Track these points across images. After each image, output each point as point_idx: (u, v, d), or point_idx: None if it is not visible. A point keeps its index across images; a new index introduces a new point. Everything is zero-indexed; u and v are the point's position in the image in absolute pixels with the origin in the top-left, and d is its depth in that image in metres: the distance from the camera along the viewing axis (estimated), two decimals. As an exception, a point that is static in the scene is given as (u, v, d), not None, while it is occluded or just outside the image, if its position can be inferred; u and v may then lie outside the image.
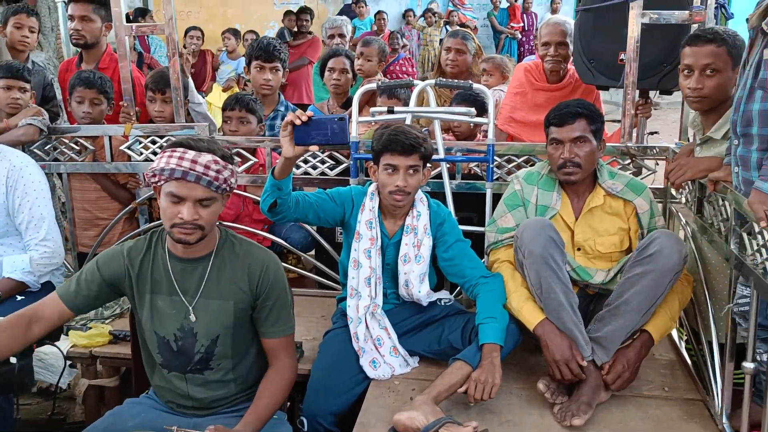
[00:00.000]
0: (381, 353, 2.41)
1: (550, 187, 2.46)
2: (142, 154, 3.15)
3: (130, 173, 3.20)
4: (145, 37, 6.46)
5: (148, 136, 3.14)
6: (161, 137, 3.12)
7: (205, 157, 1.81)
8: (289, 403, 2.38)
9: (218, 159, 1.83)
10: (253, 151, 3.21)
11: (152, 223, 3.18)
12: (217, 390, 1.96)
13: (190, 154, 1.81)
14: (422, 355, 2.50)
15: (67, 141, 3.18)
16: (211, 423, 1.80)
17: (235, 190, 3.03)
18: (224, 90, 6.84)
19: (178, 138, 1.89)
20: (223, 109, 3.27)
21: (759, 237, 1.86)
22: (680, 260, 2.18)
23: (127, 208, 3.19)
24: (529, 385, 2.32)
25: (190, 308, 1.91)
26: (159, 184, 1.83)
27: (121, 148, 3.14)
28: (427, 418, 2.02)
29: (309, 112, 2.08)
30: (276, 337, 1.98)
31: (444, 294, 2.53)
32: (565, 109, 2.37)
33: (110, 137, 3.13)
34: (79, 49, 3.64)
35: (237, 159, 3.07)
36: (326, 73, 3.85)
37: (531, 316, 2.26)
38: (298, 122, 2.06)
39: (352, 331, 2.41)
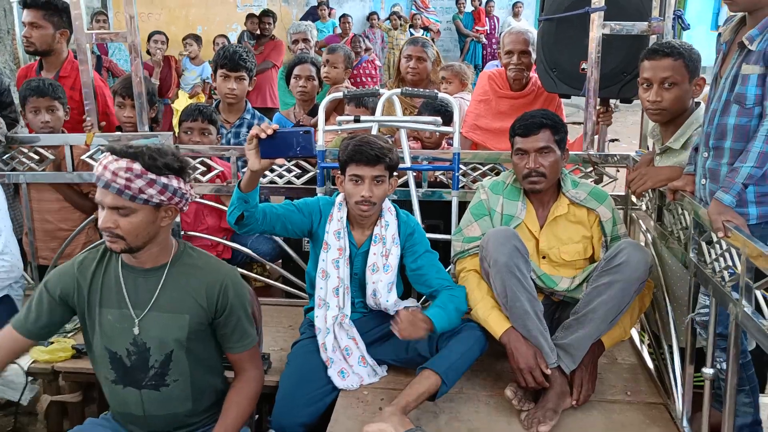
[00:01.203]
0: (349, 363, 2.41)
1: (515, 196, 2.50)
2: (104, 163, 3.08)
3: (92, 183, 3.13)
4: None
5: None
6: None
7: (117, 164, 1.71)
8: (257, 416, 2.37)
9: (133, 167, 1.71)
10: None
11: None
12: (174, 408, 1.90)
13: (107, 159, 1.74)
14: (390, 364, 2.51)
15: (26, 151, 3.10)
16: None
17: (198, 200, 3.06)
18: (191, 96, 6.75)
19: (109, 145, 1.84)
20: (182, 120, 3.23)
21: (717, 246, 1.92)
22: (646, 270, 2.23)
23: (89, 219, 3.13)
24: (496, 392, 2.35)
25: (137, 321, 1.85)
26: None
27: (83, 157, 3.08)
28: (397, 429, 2.03)
29: (274, 125, 2.07)
30: (241, 351, 1.96)
31: (411, 302, 2.54)
32: (530, 119, 2.41)
33: (71, 146, 3.07)
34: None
35: (202, 168, 3.05)
36: (292, 81, 3.84)
37: (497, 324, 2.29)
38: (263, 136, 2.04)
39: (320, 342, 2.41)
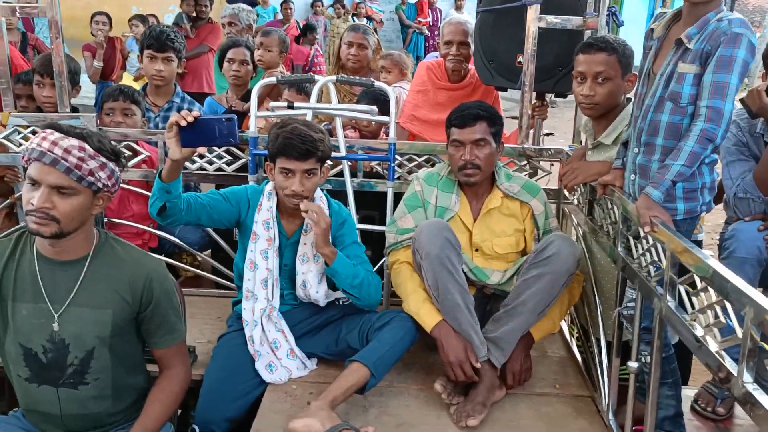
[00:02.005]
0: (278, 356, 2.35)
1: (449, 188, 2.47)
2: (21, 145, 2.91)
3: (8, 165, 2.96)
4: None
5: (28, 126, 2.91)
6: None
7: (69, 142, 1.65)
8: (180, 411, 2.28)
9: (86, 147, 1.66)
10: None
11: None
12: (92, 408, 1.80)
13: (54, 135, 1.65)
14: (320, 357, 2.46)
15: (-66, 129, 2.90)
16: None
17: (124, 186, 2.92)
18: (135, 79, 6.49)
19: (53, 122, 1.72)
20: (103, 101, 3.08)
21: (644, 241, 1.94)
22: (575, 263, 2.25)
23: (4, 203, 2.95)
24: (426, 385, 2.33)
25: (56, 316, 1.74)
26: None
27: (-2, 137, 2.90)
28: (324, 425, 1.98)
29: (195, 112, 1.96)
30: (168, 347, 1.87)
31: (341, 294, 2.49)
32: (466, 111, 2.39)
33: (-16, 126, 2.88)
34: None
35: (128, 153, 2.92)
36: (225, 64, 3.72)
37: (428, 317, 2.26)
38: (183, 123, 1.94)
39: (248, 335, 2.33)
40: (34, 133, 2.90)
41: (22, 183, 2.94)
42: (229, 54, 3.69)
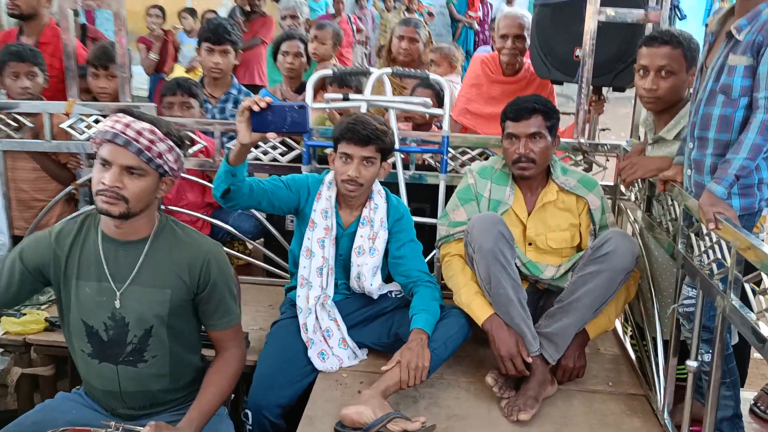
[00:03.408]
0: (330, 345, 2.37)
1: (503, 181, 2.46)
2: (83, 133, 3.01)
3: (71, 153, 3.06)
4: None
5: (90, 115, 3.00)
6: (104, 116, 2.98)
7: (142, 124, 1.72)
8: (233, 395, 2.32)
9: (156, 130, 1.74)
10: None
11: (92, 206, 3.05)
12: (151, 385, 1.86)
13: (127, 119, 1.73)
14: (371, 348, 2.47)
15: (3, 117, 3.01)
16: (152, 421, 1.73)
17: (182, 174, 2.99)
18: (187, 71, 6.63)
19: (124, 106, 1.79)
20: (163, 95, 3.15)
21: (707, 239, 1.89)
22: (633, 260, 2.21)
23: (66, 189, 3.05)
24: (477, 378, 2.33)
25: (118, 294, 1.80)
26: (96, 151, 1.73)
27: (62, 126, 3.00)
28: (375, 413, 1.99)
29: (268, 99, 2.00)
30: (224, 329, 1.92)
31: (395, 286, 2.50)
32: (522, 104, 2.36)
33: (51, 114, 2.98)
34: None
35: (188, 143, 2.98)
36: (279, 57, 3.76)
37: (480, 310, 2.25)
38: (256, 108, 1.98)
39: (301, 322, 2.36)
40: (97, 122, 2.99)
41: (84, 170, 3.04)
42: (284, 47, 3.73)
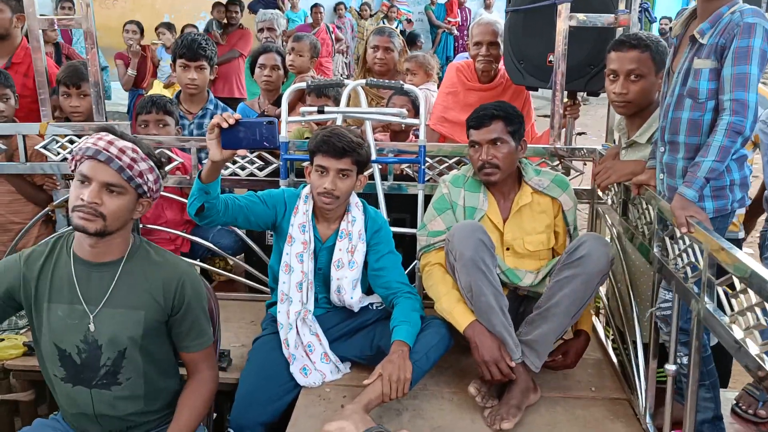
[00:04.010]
0: (312, 360, 2.36)
1: (476, 188, 2.46)
2: (59, 154, 2.98)
3: (47, 174, 3.03)
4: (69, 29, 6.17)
5: (65, 135, 2.98)
6: (79, 136, 2.96)
7: (124, 143, 1.74)
8: (216, 414, 2.31)
9: (138, 150, 1.76)
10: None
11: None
12: (125, 408, 1.84)
13: (110, 137, 1.74)
14: (354, 361, 2.46)
15: (-24, 140, 2.99)
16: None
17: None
18: (166, 86, 6.58)
19: (103, 125, 1.79)
20: (138, 113, 3.13)
21: (680, 242, 1.90)
22: (608, 263, 2.21)
23: (43, 211, 3.02)
24: (460, 389, 2.32)
25: (91, 317, 1.78)
26: (74, 169, 1.74)
27: (37, 147, 2.97)
28: (357, 428, 1.98)
29: (237, 115, 2.00)
30: (197, 351, 1.90)
31: (375, 298, 2.50)
32: (482, 111, 2.38)
33: (24, 136, 2.96)
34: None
35: (163, 160, 2.96)
36: (257, 70, 3.75)
37: (461, 317, 2.25)
38: (225, 125, 1.98)
39: (283, 338, 2.35)
40: (71, 142, 2.97)
41: (60, 191, 3.01)
42: (261, 59, 3.73)
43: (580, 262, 2.19)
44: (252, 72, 3.88)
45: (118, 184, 1.72)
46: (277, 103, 3.65)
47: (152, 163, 1.79)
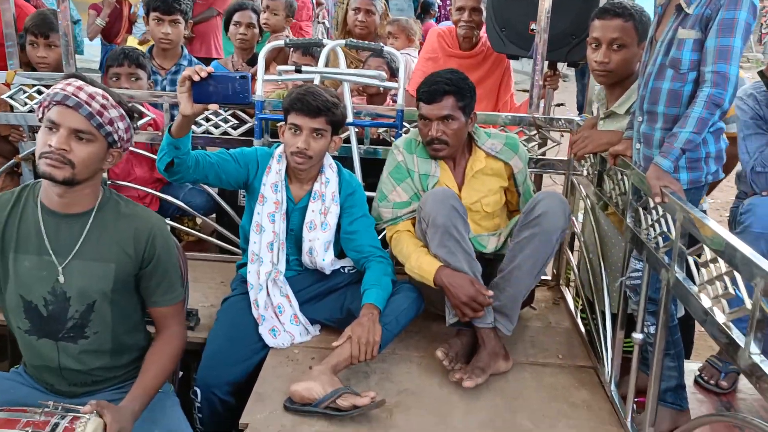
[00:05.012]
0: (281, 321, 2.35)
1: (427, 155, 2.43)
2: (26, 104, 2.89)
3: (13, 125, 2.94)
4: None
5: (33, 86, 2.89)
6: (47, 86, 2.87)
7: (94, 89, 1.68)
8: (182, 373, 2.28)
9: (108, 96, 1.70)
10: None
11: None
12: (91, 362, 1.81)
13: (79, 82, 1.68)
14: (324, 324, 2.45)
15: (-61, 88, 2.88)
16: (93, 399, 1.67)
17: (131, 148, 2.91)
18: (140, 43, 6.41)
19: (76, 72, 1.73)
20: (108, 65, 3.04)
21: (653, 212, 1.91)
22: (566, 218, 2.22)
23: (8, 163, 2.94)
24: (429, 353, 2.32)
25: (60, 269, 1.73)
26: (42, 118, 1.68)
27: (4, 96, 2.87)
28: (325, 389, 1.98)
29: (209, 69, 1.94)
30: (166, 306, 1.87)
31: (347, 262, 2.48)
32: (434, 85, 2.32)
33: (-11, 85, 2.86)
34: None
35: (136, 115, 2.88)
36: (231, 27, 3.66)
37: (430, 266, 2.21)
38: (197, 78, 1.92)
39: (252, 298, 2.33)
40: (39, 93, 2.88)
41: (26, 143, 2.93)
42: (236, 17, 3.64)
43: (538, 221, 2.19)
44: (227, 29, 3.78)
45: (87, 131, 1.66)
46: (252, 62, 3.58)
47: (123, 112, 1.74)
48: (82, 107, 1.65)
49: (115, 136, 1.72)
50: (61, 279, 1.74)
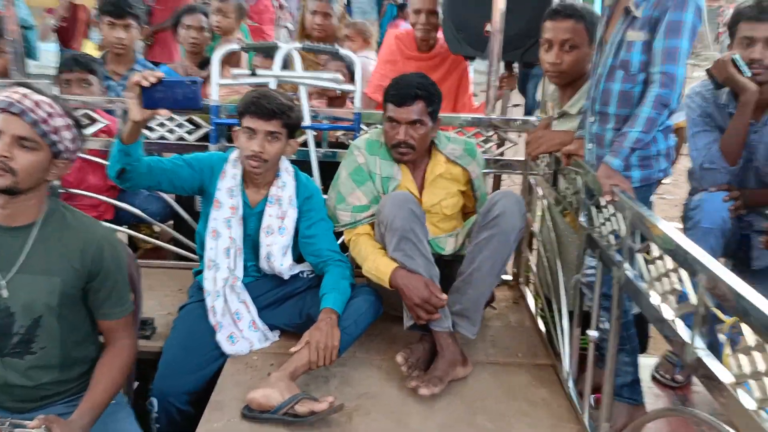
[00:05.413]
0: (239, 328, 2.32)
1: (390, 157, 2.42)
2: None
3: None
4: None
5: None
6: (-5, 94, 2.80)
7: (40, 97, 1.65)
8: (138, 383, 2.24)
9: (54, 105, 1.67)
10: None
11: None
12: (39, 378, 1.76)
13: (25, 90, 1.65)
14: (283, 329, 2.43)
15: None
16: (42, 414, 1.63)
17: (83, 155, 2.85)
18: (99, 48, 6.30)
19: (20, 81, 1.70)
20: (60, 72, 2.98)
21: (605, 211, 1.93)
22: (522, 218, 2.24)
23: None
24: (389, 356, 2.31)
25: (3, 283, 1.69)
26: None
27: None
28: (283, 395, 1.96)
29: (159, 73, 1.91)
30: (115, 318, 1.83)
31: (306, 266, 2.46)
32: (404, 88, 2.30)
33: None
34: None
35: (86, 122, 2.83)
36: (182, 31, 3.60)
37: (386, 267, 2.20)
38: (146, 83, 1.89)
39: (209, 305, 2.30)
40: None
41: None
42: (186, 20, 3.58)
43: (495, 222, 2.20)
44: (175, 32, 3.71)
45: (31, 138, 1.63)
46: (203, 65, 3.54)
47: (70, 121, 1.70)
48: (27, 114, 1.61)
49: (61, 146, 1.68)
50: (5, 293, 1.69)
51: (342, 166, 2.47)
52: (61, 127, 1.67)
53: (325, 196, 2.51)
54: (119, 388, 1.83)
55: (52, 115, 1.65)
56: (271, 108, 2.20)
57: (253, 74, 2.72)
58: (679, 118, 2.56)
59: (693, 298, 1.39)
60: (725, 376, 1.27)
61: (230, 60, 3.40)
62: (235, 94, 3.20)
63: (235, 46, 2.84)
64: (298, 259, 2.47)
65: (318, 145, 2.86)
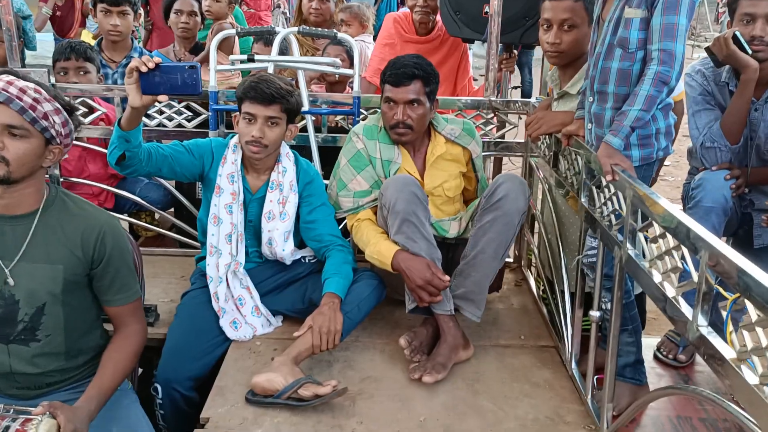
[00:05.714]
0: (242, 313, 2.33)
1: (390, 140, 2.42)
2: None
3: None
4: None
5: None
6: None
7: (25, 83, 1.63)
8: (141, 370, 2.25)
9: (41, 90, 1.64)
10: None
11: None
12: (44, 365, 1.76)
13: (9, 77, 1.63)
14: (285, 314, 2.44)
15: None
16: (45, 400, 1.64)
17: (81, 144, 2.85)
18: (95, 37, 6.27)
19: (9, 68, 1.67)
20: (55, 60, 2.96)
21: (606, 190, 1.92)
22: (525, 201, 2.24)
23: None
24: (392, 340, 2.32)
25: (7, 271, 1.69)
26: None
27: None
28: (286, 380, 1.97)
29: (157, 59, 1.90)
30: (121, 305, 1.83)
31: (308, 251, 2.46)
32: (402, 68, 2.30)
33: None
34: None
35: (83, 109, 2.82)
36: (173, 16, 3.57)
37: (387, 251, 2.21)
38: (144, 69, 1.88)
39: (212, 291, 2.30)
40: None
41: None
42: (177, 5, 3.55)
43: (499, 204, 2.20)
44: (167, 18, 3.69)
45: (20, 126, 1.61)
46: (194, 50, 3.52)
47: (59, 105, 1.68)
48: (13, 102, 1.59)
49: (52, 131, 1.66)
50: (10, 282, 1.70)
51: (341, 154, 2.47)
52: (50, 112, 1.65)
53: (325, 182, 2.50)
54: (127, 374, 1.83)
55: (39, 101, 1.63)
56: (270, 93, 2.19)
57: (251, 60, 2.70)
58: (677, 91, 2.54)
59: (695, 276, 1.38)
60: (728, 352, 1.27)
61: (222, 46, 3.38)
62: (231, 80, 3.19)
63: (231, 32, 2.81)
64: (300, 244, 2.47)
65: (317, 130, 2.85)
